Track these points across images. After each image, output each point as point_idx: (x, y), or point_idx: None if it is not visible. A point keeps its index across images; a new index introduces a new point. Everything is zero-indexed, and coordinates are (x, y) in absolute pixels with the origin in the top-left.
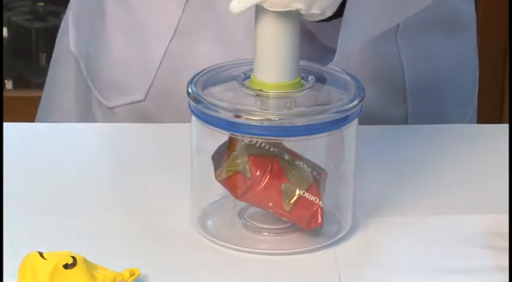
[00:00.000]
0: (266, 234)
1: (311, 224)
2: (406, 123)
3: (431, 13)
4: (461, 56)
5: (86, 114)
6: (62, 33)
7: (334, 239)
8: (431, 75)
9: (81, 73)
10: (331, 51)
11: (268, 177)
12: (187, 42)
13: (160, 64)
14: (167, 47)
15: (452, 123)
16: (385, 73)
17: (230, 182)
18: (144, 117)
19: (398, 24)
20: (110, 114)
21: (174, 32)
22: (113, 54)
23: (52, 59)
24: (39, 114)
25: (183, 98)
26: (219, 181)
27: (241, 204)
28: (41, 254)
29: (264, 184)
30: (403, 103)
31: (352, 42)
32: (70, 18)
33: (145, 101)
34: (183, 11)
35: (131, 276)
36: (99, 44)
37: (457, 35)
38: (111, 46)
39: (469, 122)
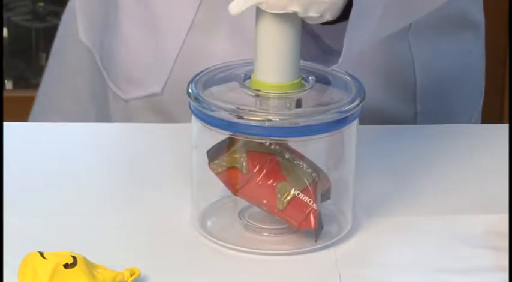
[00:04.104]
0: (266, 234)
1: (303, 226)
2: (415, 123)
3: (441, 13)
4: (468, 56)
5: (103, 106)
6: (67, 20)
7: (334, 239)
8: (440, 74)
9: (96, 63)
10: (337, 54)
11: (264, 174)
12: (204, 36)
13: (177, 57)
14: (184, 41)
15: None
16: (396, 72)
17: (227, 176)
18: (160, 112)
19: (410, 23)
20: (126, 108)
21: (190, 27)
22: (128, 46)
23: (54, 45)
24: (39, 98)
25: None
26: (215, 174)
27: (241, 204)
28: (41, 254)
29: (259, 180)
30: (412, 103)
31: (357, 46)
32: (77, 6)
33: (162, 94)
34: (199, 6)
35: (131, 276)
36: (113, 36)
37: (466, 36)
38: (126, 39)
39: (474, 123)
